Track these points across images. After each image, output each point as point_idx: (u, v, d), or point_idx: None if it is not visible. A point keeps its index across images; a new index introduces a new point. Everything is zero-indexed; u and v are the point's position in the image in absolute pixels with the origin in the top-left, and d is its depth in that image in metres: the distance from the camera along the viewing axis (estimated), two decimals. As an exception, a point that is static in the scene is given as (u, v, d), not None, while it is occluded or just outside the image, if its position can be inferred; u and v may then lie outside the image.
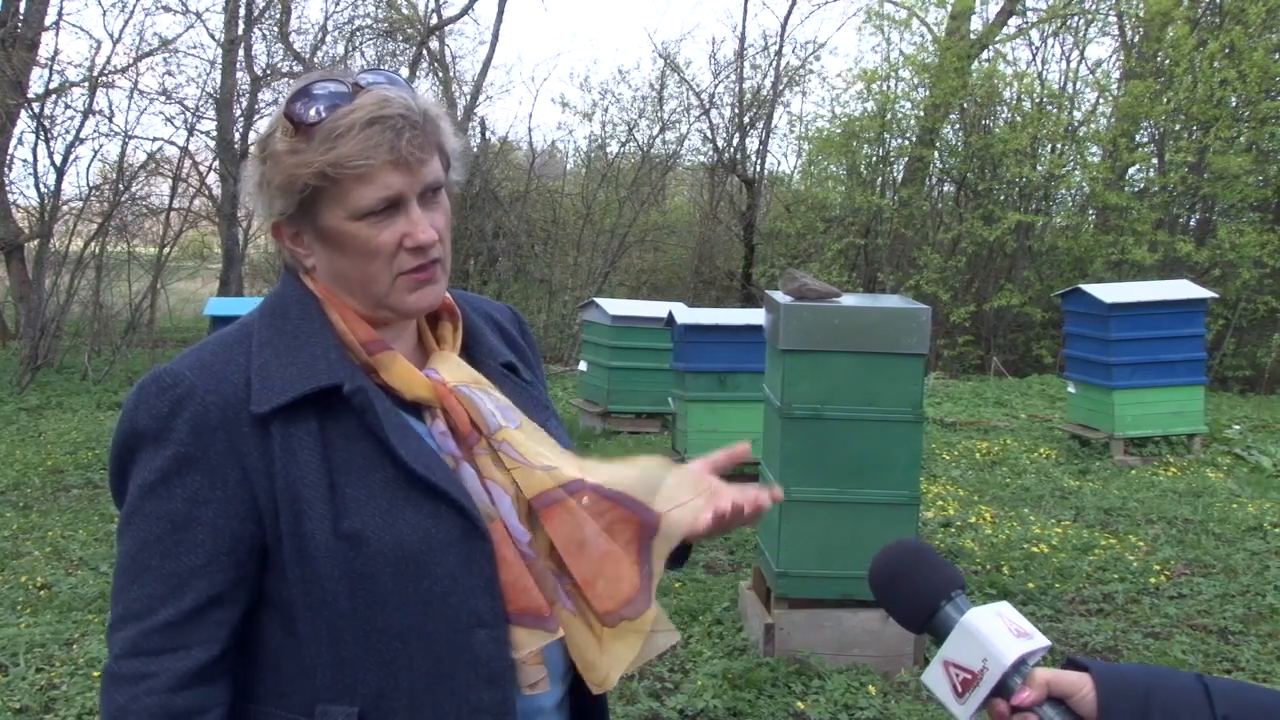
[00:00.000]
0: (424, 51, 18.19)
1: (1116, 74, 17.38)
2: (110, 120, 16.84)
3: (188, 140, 16.26)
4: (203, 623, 1.23)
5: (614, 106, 22.19)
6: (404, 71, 17.47)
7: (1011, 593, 5.17)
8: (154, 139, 19.30)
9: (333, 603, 1.24)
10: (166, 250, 16.09)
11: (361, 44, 18.10)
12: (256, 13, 16.55)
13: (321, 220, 1.28)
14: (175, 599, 1.22)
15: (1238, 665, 4.36)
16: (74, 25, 19.34)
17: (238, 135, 16.58)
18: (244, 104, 16.83)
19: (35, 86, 15.73)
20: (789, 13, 18.74)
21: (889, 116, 17.19)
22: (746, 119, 18.45)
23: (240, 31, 16.45)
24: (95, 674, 4.17)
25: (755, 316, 7.18)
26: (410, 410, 1.32)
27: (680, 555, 1.44)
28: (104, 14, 28.55)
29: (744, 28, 26.63)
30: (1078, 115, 16.99)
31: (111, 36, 24.53)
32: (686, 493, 1.37)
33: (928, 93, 16.90)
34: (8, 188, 16.15)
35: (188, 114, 16.24)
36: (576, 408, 10.06)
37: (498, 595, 1.27)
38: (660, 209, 20.24)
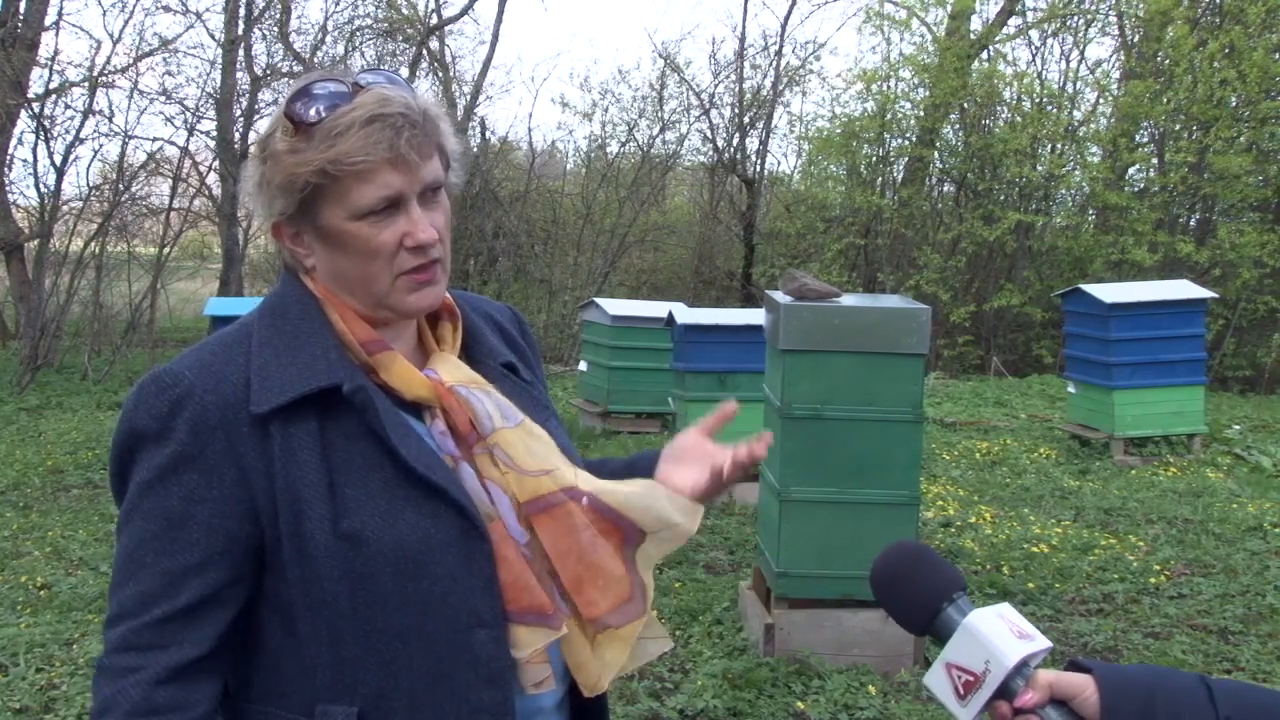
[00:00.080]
0: (424, 51, 18.20)
1: (1116, 74, 17.40)
2: (110, 120, 16.86)
3: (188, 140, 16.29)
4: (195, 621, 1.23)
5: (614, 106, 22.26)
6: (404, 71, 17.47)
7: (1011, 593, 5.17)
8: (154, 139, 19.34)
9: (332, 603, 1.24)
10: (166, 250, 16.10)
11: (361, 44, 18.12)
12: (256, 13, 16.56)
13: (322, 220, 1.28)
14: (169, 597, 1.23)
15: (1238, 665, 4.35)
16: (74, 25, 19.38)
17: (238, 135, 16.58)
18: (244, 104, 16.84)
19: (35, 86, 15.75)
20: (789, 13, 18.78)
21: (889, 116, 17.20)
22: (746, 119, 18.46)
23: (240, 31, 16.45)
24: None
25: (755, 316, 7.18)
26: (410, 410, 1.32)
27: None
28: (104, 14, 28.60)
29: (744, 28, 26.69)
30: (1078, 115, 17.00)
31: (111, 36, 24.54)
32: (680, 514, 1.38)
33: (928, 93, 16.90)
34: (8, 188, 16.16)
35: (188, 114, 16.28)
36: (576, 408, 10.06)
37: (497, 595, 1.27)
38: (660, 209, 20.25)
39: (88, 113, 15.44)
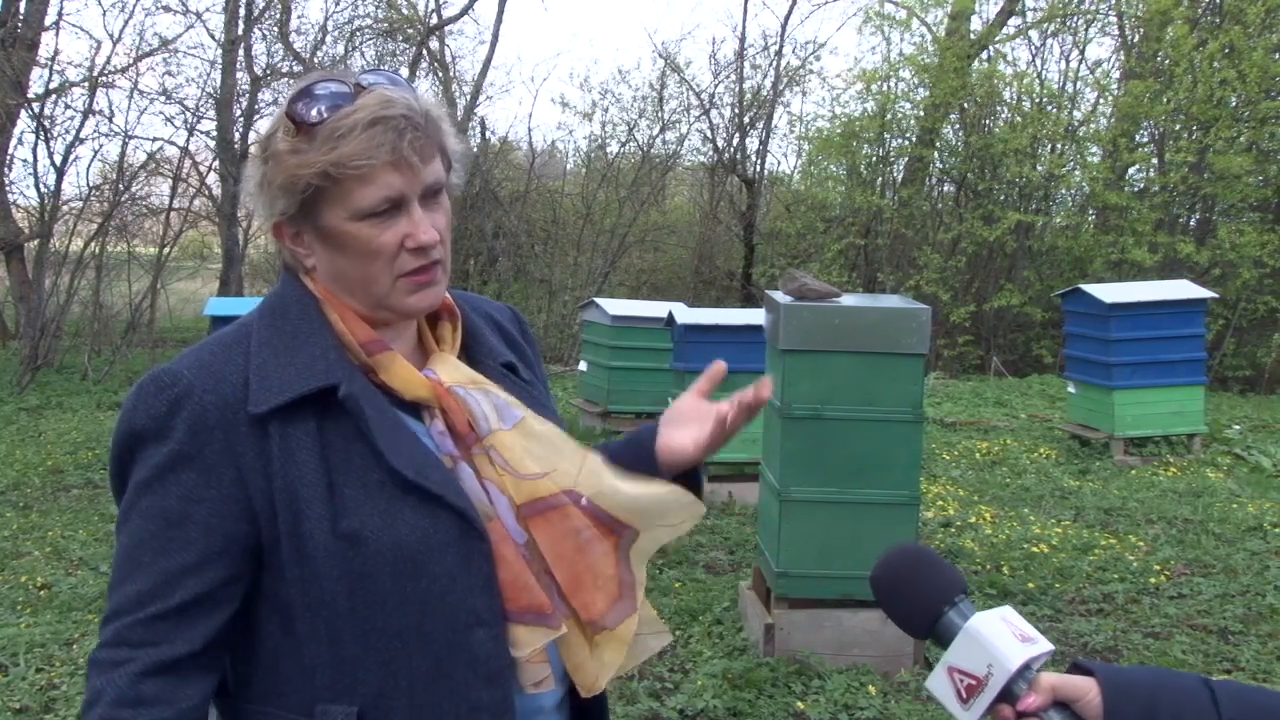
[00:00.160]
0: (424, 51, 18.19)
1: (1116, 74, 17.39)
2: (110, 120, 16.85)
3: (188, 140, 16.28)
4: (189, 619, 1.23)
5: (614, 106, 22.23)
6: (404, 71, 17.47)
7: (1011, 593, 5.17)
8: (154, 139, 19.31)
9: (331, 602, 1.24)
10: (166, 250, 16.09)
11: (361, 44, 18.11)
12: (256, 13, 16.55)
13: (323, 220, 1.28)
14: (165, 595, 1.23)
15: (1238, 665, 4.35)
16: (74, 25, 19.36)
17: (238, 135, 16.58)
18: (244, 104, 16.83)
19: (35, 86, 15.75)
20: (789, 13, 18.77)
21: (889, 116, 17.20)
22: (746, 119, 18.45)
23: (240, 31, 16.44)
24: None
25: (755, 316, 7.18)
26: (409, 410, 1.32)
27: (691, 486, 1.44)
28: (104, 14, 28.62)
29: (744, 28, 26.67)
30: (1078, 115, 17.00)
31: (111, 36, 24.54)
32: (680, 513, 1.38)
33: (928, 93, 16.90)
34: (8, 188, 16.16)
35: (188, 114, 16.27)
36: (576, 408, 10.06)
37: (496, 594, 1.27)
38: (660, 209, 20.24)
39: (88, 113, 15.45)
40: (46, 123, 15.48)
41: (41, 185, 15.59)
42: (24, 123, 15.61)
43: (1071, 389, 8.92)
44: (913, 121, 17.36)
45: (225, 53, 16.44)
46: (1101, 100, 17.34)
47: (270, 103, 16.81)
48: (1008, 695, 1.13)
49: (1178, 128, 15.40)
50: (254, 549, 1.26)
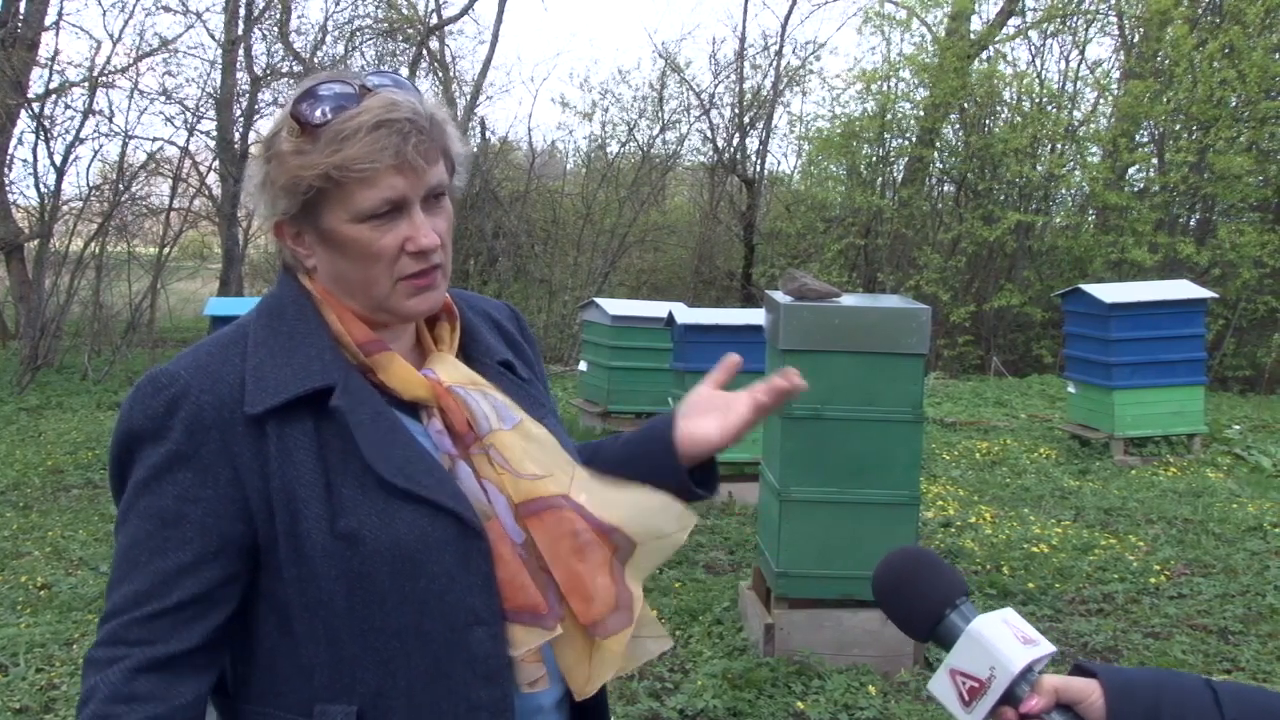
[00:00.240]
0: (424, 51, 18.20)
1: (1116, 74, 17.40)
2: (110, 120, 16.85)
3: (188, 140, 16.28)
4: (185, 618, 1.23)
5: (614, 106, 22.19)
6: (404, 71, 17.48)
7: (1011, 593, 5.17)
8: (154, 139, 19.30)
9: (329, 602, 1.24)
10: (166, 250, 16.10)
11: (361, 44, 18.10)
12: (256, 13, 16.55)
13: (324, 221, 1.28)
14: (161, 595, 1.23)
15: (1238, 665, 4.35)
16: (74, 25, 19.35)
17: (238, 135, 16.58)
18: (244, 104, 16.83)
19: (35, 86, 15.75)
20: (789, 13, 18.76)
21: (889, 117, 17.20)
22: (746, 119, 18.45)
23: (240, 31, 16.45)
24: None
25: (755, 316, 7.18)
26: (408, 410, 1.32)
27: (708, 477, 1.44)
28: (104, 14, 28.64)
29: (744, 28, 26.66)
30: (1078, 115, 17.00)
31: (111, 36, 24.55)
32: (672, 524, 1.37)
33: (928, 93, 16.90)
34: (8, 188, 16.16)
35: (188, 114, 16.26)
36: (576, 408, 10.06)
37: (495, 593, 1.27)
38: (660, 209, 20.24)
39: (88, 113, 15.45)
40: (46, 123, 15.49)
41: (41, 185, 15.62)
42: (24, 123, 15.64)
43: (1071, 389, 8.92)
44: (913, 121, 17.37)
45: (225, 53, 16.44)
46: (1101, 100, 17.36)
47: (270, 103, 16.82)
48: (1010, 697, 1.13)
49: (1178, 128, 15.41)
50: (251, 549, 1.26)
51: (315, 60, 16.75)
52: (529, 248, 18.34)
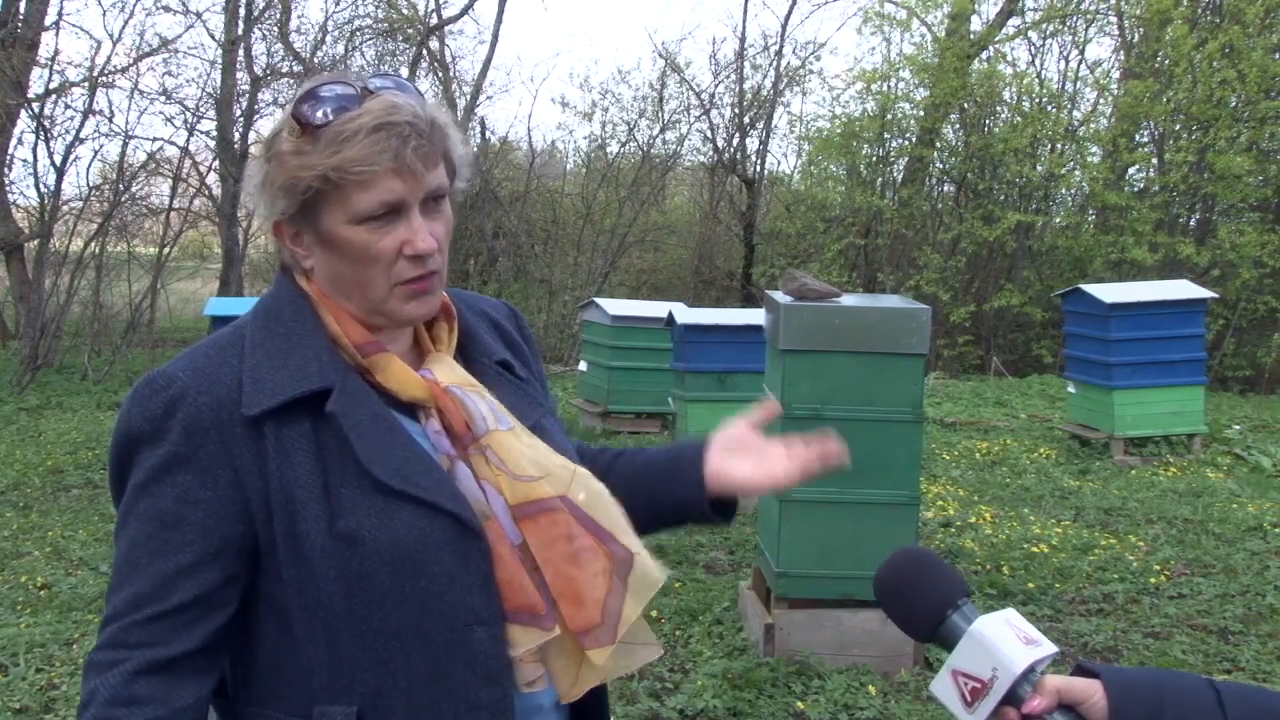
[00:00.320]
0: (424, 51, 18.20)
1: (1116, 74, 17.40)
2: (110, 120, 16.87)
3: (188, 140, 16.29)
4: (186, 621, 1.23)
5: (614, 106, 22.18)
6: (404, 71, 17.48)
7: (1011, 593, 5.17)
8: (154, 139, 19.31)
9: (328, 603, 1.24)
10: (166, 250, 16.10)
11: (361, 44, 18.11)
12: (256, 13, 16.56)
13: (322, 223, 1.28)
14: (161, 597, 1.22)
15: (1238, 665, 4.35)
16: (74, 25, 19.35)
17: (238, 135, 16.59)
18: (244, 104, 16.84)
19: (35, 86, 15.75)
20: (789, 13, 18.76)
21: (889, 117, 17.20)
22: (746, 119, 18.45)
23: (240, 31, 16.45)
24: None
25: (755, 316, 7.18)
26: (405, 410, 1.32)
27: (727, 507, 1.47)
28: (104, 14, 28.69)
29: (744, 28, 26.66)
30: (1078, 115, 17.00)
31: (111, 36, 24.55)
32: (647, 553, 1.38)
33: (928, 93, 16.90)
34: (8, 188, 16.16)
35: (188, 114, 16.27)
36: (576, 408, 10.06)
37: (494, 593, 1.27)
38: (660, 209, 20.24)
39: (88, 113, 15.46)
40: (46, 123, 15.50)
41: (41, 185, 15.62)
42: (24, 123, 15.65)
43: (1071, 389, 8.92)
44: (913, 121, 17.37)
45: (225, 53, 16.44)
46: (1101, 100, 17.37)
47: (270, 103, 16.84)
48: (1012, 698, 1.13)
49: (1177, 128, 15.41)
50: (251, 550, 1.26)
51: (315, 60, 16.75)
52: (529, 248, 18.34)
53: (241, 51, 16.63)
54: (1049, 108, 16.59)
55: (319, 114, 1.24)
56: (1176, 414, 8.36)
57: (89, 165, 22.70)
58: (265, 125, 17.02)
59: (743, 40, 18.57)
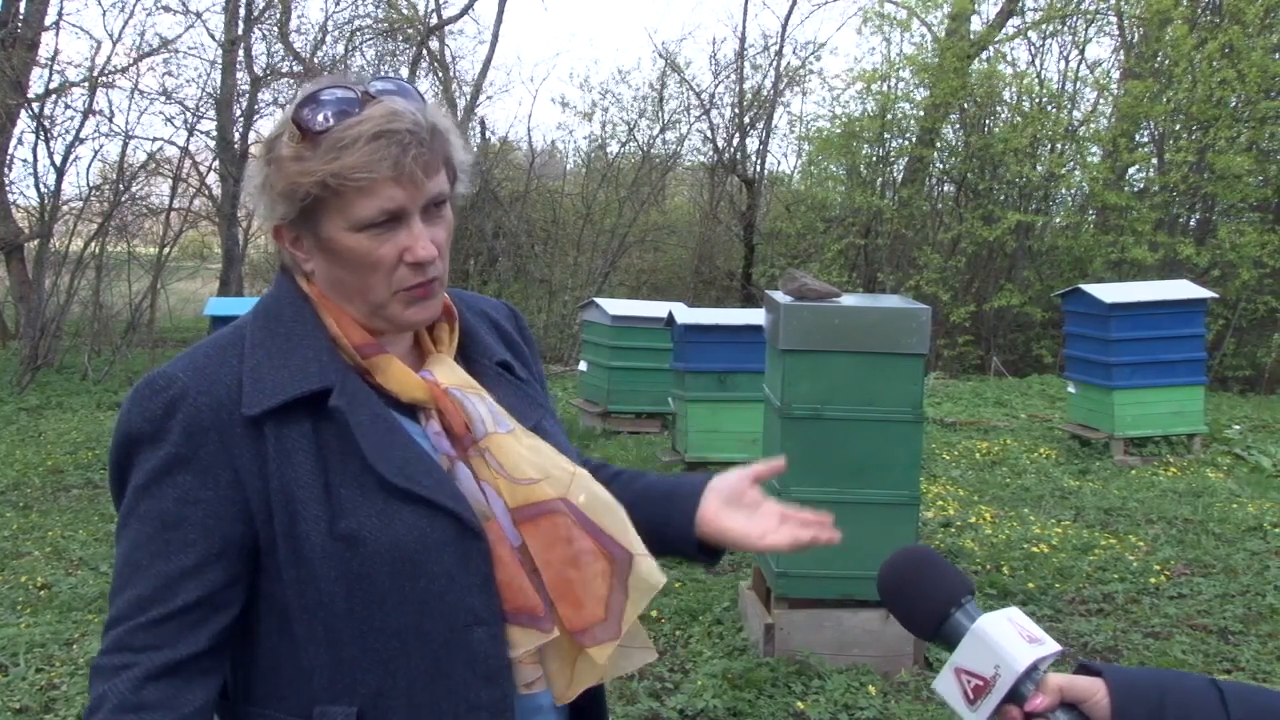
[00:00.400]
0: (424, 51, 18.20)
1: (1116, 74, 17.40)
2: (110, 120, 16.90)
3: (188, 140, 16.29)
4: (191, 622, 1.23)
5: (614, 106, 22.18)
6: (403, 71, 17.48)
7: (1011, 593, 5.17)
8: (154, 139, 19.32)
9: (329, 604, 1.24)
10: (166, 250, 16.10)
11: (361, 44, 18.11)
12: (256, 13, 16.56)
13: (322, 229, 1.28)
14: (165, 599, 1.22)
15: (1238, 665, 4.35)
16: (74, 25, 19.35)
17: (238, 135, 16.59)
18: (244, 104, 16.84)
19: (35, 86, 15.75)
20: (789, 13, 18.76)
21: (889, 116, 17.20)
22: (746, 119, 18.45)
23: (240, 31, 16.46)
24: (95, 674, 4.17)
25: (755, 316, 7.18)
26: (405, 412, 1.32)
27: (714, 550, 1.47)
28: (104, 14, 28.75)
29: (744, 28, 26.68)
30: (1078, 115, 17.00)
31: (111, 36, 24.57)
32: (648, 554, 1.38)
33: (928, 93, 16.90)
34: (8, 188, 16.16)
35: (188, 114, 16.28)
36: (576, 408, 10.06)
37: (494, 594, 1.27)
38: (660, 209, 20.24)
39: (88, 113, 15.46)
40: (46, 123, 15.50)
41: (41, 185, 15.62)
42: (24, 123, 15.65)
43: (1071, 389, 8.92)
44: (913, 121, 17.36)
45: (225, 53, 16.45)
46: (1101, 100, 17.36)
47: (270, 103, 16.85)
48: (1015, 696, 1.13)
49: (1177, 128, 15.40)
50: (252, 550, 1.26)
51: (315, 60, 16.75)
52: (529, 248, 18.34)
53: (241, 51, 16.64)
54: (1049, 108, 16.59)
55: (320, 117, 1.24)
56: (1176, 414, 8.36)
57: (89, 165, 22.78)
58: (265, 125, 17.03)
59: (743, 40, 18.59)
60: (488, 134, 19.48)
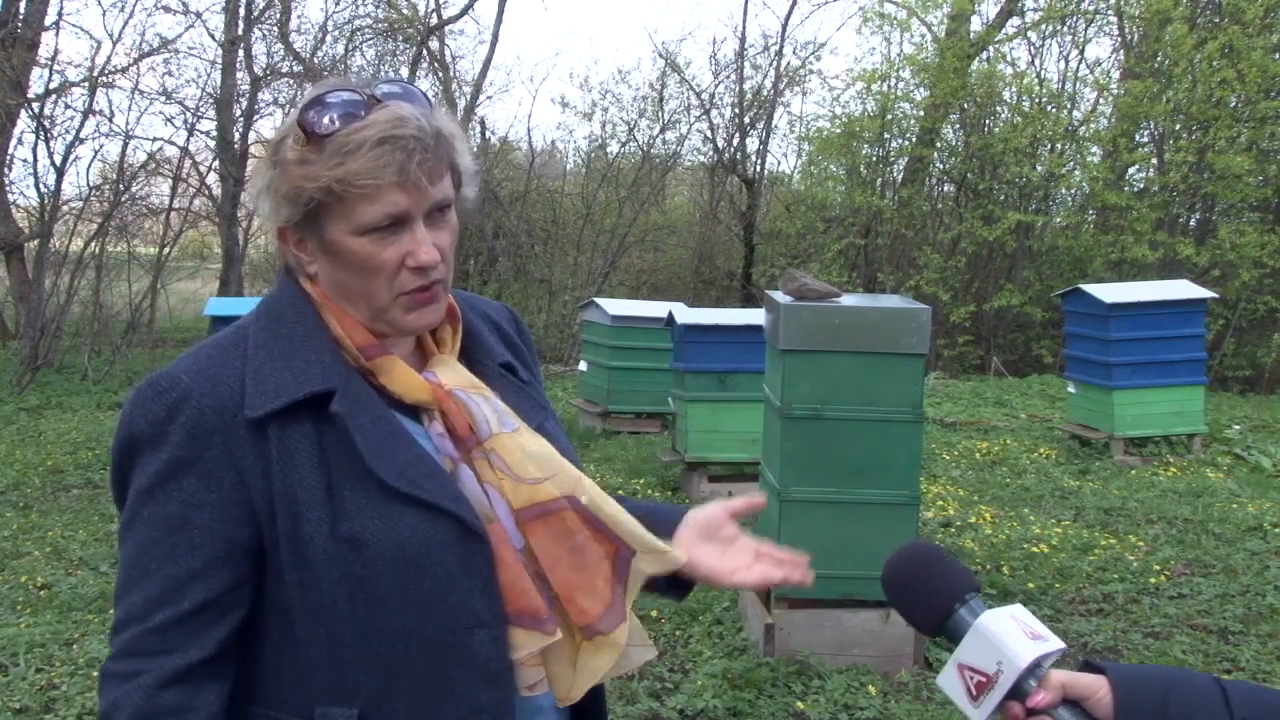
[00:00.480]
0: (424, 51, 18.19)
1: (1116, 74, 17.40)
2: (110, 120, 16.94)
3: (188, 140, 16.28)
4: (199, 625, 1.23)
5: (614, 106, 22.18)
6: (404, 71, 17.48)
7: (1011, 593, 5.17)
8: (154, 139, 19.32)
9: (331, 605, 1.24)
10: (166, 250, 16.10)
11: (361, 44, 18.11)
12: (256, 13, 16.56)
13: (326, 232, 1.28)
14: (173, 602, 1.22)
15: (1238, 665, 4.35)
16: (74, 25, 19.35)
17: (238, 135, 16.60)
18: (244, 104, 16.84)
19: (35, 86, 15.75)
20: (789, 13, 18.77)
21: (889, 116, 17.20)
22: (747, 119, 18.45)
23: (240, 31, 16.45)
24: (95, 674, 4.16)
25: (755, 316, 7.18)
26: (409, 413, 1.32)
27: (684, 586, 1.47)
28: (104, 14, 28.76)
29: (744, 28, 26.72)
30: (1077, 115, 17.00)
31: (111, 36, 24.58)
32: (649, 560, 1.38)
33: (928, 93, 16.90)
34: (8, 188, 16.16)
35: (188, 114, 16.26)
36: (576, 408, 10.05)
37: (496, 596, 1.27)
38: (660, 209, 20.24)
39: (88, 113, 15.45)
40: (46, 123, 15.49)
41: (41, 185, 15.62)
42: (24, 123, 15.64)
43: (1071, 389, 8.92)
44: (913, 121, 17.37)
45: (225, 53, 16.45)
46: (1101, 100, 17.36)
47: (270, 102, 16.85)
48: (1017, 692, 1.13)
49: (1177, 128, 15.40)
50: (258, 552, 1.26)
51: (315, 60, 16.75)
52: (529, 248, 18.34)
53: (241, 51, 16.64)
54: (1049, 108, 16.59)
55: (325, 120, 1.23)
56: (1176, 414, 8.36)
57: (89, 165, 22.80)
58: (265, 125, 17.06)
59: (743, 40, 18.60)
60: (488, 134, 19.50)
